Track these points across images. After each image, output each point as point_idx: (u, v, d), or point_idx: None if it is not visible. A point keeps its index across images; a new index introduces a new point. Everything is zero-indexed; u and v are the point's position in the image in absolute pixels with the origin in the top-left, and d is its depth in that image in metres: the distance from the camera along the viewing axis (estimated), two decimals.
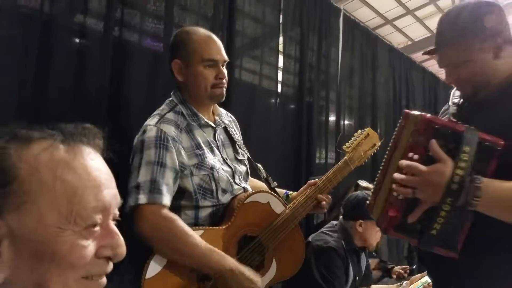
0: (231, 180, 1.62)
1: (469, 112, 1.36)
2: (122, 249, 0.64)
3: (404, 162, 1.17)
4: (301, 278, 1.88)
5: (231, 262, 1.48)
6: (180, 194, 1.53)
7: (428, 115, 1.20)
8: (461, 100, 1.44)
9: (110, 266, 0.64)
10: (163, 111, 1.58)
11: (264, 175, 1.80)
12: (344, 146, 1.84)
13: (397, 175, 1.19)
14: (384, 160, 1.31)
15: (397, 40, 7.62)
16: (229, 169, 1.64)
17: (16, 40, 1.64)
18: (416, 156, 1.17)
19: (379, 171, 1.33)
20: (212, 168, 1.56)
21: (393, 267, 3.16)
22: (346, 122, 3.65)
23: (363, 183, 2.95)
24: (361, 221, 2.30)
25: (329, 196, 1.77)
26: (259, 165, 1.81)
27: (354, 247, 2.38)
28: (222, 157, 1.64)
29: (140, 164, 1.47)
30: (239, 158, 1.73)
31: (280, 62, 2.98)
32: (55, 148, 0.60)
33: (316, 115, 3.21)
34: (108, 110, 1.92)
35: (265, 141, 2.75)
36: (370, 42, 3.92)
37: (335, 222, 2.49)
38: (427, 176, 1.14)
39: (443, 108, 1.54)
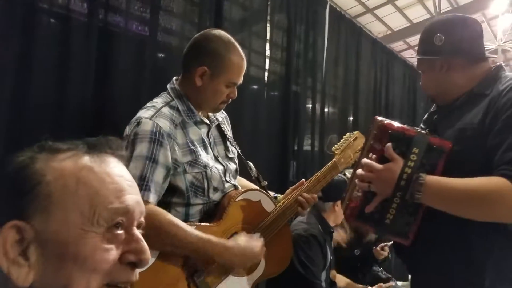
0: (223, 178, 1.59)
1: (438, 118, 1.50)
2: (146, 255, 0.65)
3: (363, 160, 1.36)
4: None
5: (223, 244, 1.46)
6: (172, 191, 1.48)
7: (387, 121, 1.36)
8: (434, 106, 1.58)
9: (135, 275, 0.65)
10: (158, 105, 1.51)
11: (255, 173, 1.78)
12: (333, 148, 1.88)
13: (358, 171, 1.36)
14: (356, 160, 1.47)
15: (377, 29, 7.67)
16: (221, 167, 1.61)
17: None
18: (374, 156, 1.35)
19: (352, 170, 1.47)
20: (205, 166, 1.52)
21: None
22: (331, 110, 3.68)
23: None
24: (339, 201, 2.33)
25: (315, 196, 1.76)
26: (250, 163, 1.79)
27: (330, 228, 2.42)
28: (214, 154, 1.61)
29: (131, 157, 1.40)
30: (229, 156, 1.70)
31: (268, 51, 2.93)
32: (80, 156, 0.64)
33: (302, 103, 3.22)
34: (93, 97, 1.83)
35: (254, 129, 2.73)
36: (355, 34, 3.94)
37: None
38: (380, 173, 1.31)
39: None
